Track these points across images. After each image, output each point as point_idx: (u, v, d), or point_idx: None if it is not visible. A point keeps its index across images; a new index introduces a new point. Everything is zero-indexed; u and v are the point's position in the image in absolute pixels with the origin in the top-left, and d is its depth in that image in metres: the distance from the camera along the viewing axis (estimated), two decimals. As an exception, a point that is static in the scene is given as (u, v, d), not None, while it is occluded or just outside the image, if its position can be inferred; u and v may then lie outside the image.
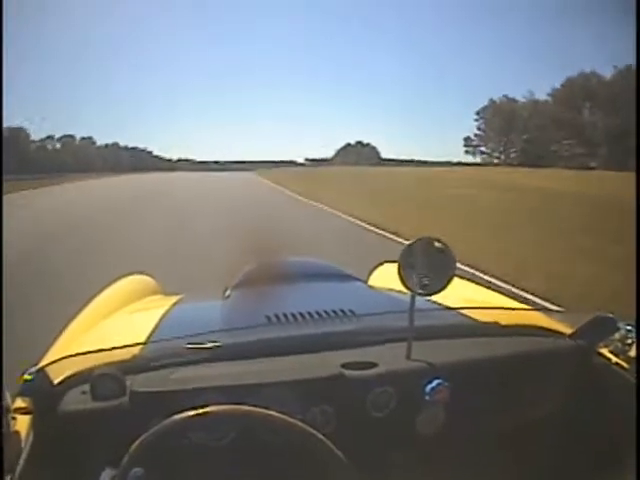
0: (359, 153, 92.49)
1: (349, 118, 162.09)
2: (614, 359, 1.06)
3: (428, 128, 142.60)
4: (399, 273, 1.02)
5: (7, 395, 0.86)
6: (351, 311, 1.19)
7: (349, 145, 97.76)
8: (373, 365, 1.00)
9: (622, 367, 1.04)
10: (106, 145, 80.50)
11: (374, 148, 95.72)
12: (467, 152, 67.43)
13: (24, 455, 0.85)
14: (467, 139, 67.45)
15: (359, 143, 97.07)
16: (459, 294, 1.27)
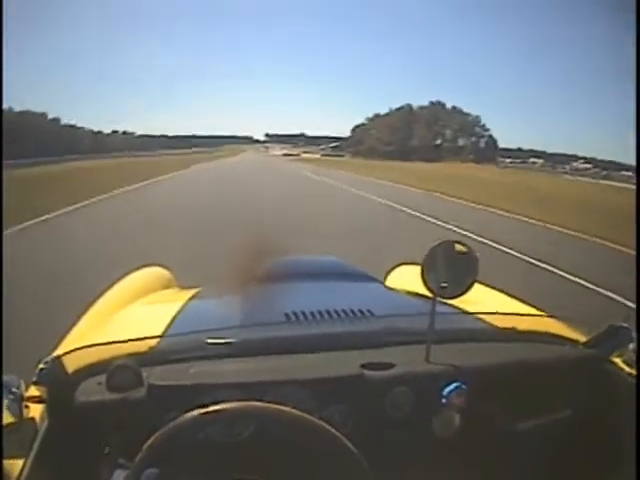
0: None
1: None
2: (627, 369, 1.07)
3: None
4: (422, 275, 1.01)
5: (21, 383, 0.85)
6: (370, 311, 1.18)
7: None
8: (391, 366, 1.00)
9: (635, 377, 1.04)
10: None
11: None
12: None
13: (37, 443, 0.84)
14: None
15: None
16: (477, 298, 1.26)
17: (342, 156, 77.68)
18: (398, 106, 76.48)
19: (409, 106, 75.20)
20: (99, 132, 62.12)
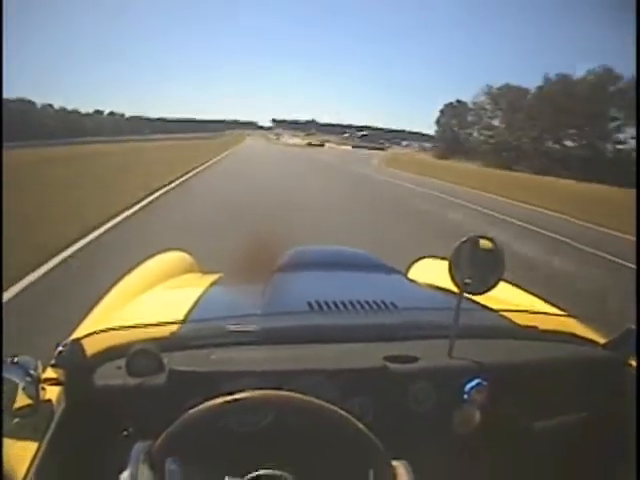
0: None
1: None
2: None
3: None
4: (449, 270, 1.00)
5: (39, 365, 0.85)
6: (393, 304, 1.17)
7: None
8: (415, 359, 0.99)
9: None
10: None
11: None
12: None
13: (54, 425, 0.84)
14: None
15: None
16: (500, 296, 1.27)
17: (382, 149, 71.22)
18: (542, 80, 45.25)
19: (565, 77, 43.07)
20: (72, 111, 57.69)
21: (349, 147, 72.65)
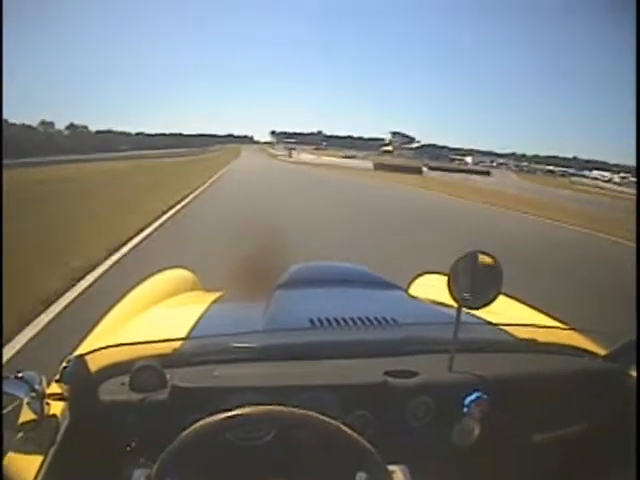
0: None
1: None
2: None
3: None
4: (448, 285, 1.01)
5: (43, 380, 0.85)
6: (393, 319, 1.19)
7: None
8: (415, 374, 1.00)
9: None
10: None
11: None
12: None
13: (58, 440, 0.85)
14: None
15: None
16: (500, 309, 1.26)
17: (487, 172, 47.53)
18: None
19: None
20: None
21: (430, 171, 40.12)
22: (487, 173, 48.10)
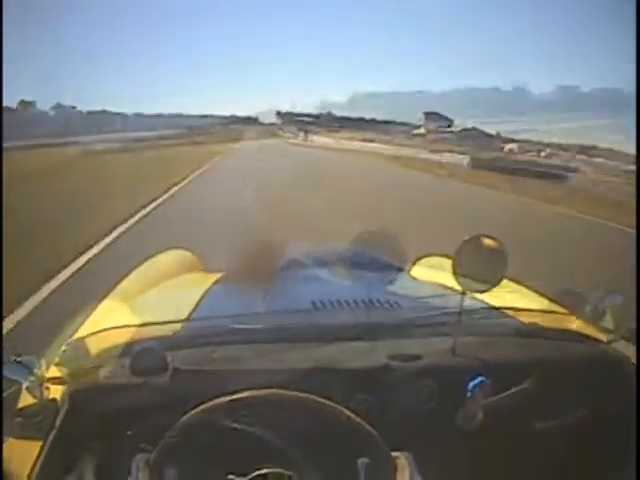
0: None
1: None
2: None
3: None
4: (453, 268, 1.00)
5: (42, 364, 0.85)
6: (397, 302, 1.18)
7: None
8: (418, 358, 0.99)
9: None
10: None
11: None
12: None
13: (58, 424, 0.84)
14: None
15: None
16: (504, 294, 1.27)
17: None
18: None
19: None
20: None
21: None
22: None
